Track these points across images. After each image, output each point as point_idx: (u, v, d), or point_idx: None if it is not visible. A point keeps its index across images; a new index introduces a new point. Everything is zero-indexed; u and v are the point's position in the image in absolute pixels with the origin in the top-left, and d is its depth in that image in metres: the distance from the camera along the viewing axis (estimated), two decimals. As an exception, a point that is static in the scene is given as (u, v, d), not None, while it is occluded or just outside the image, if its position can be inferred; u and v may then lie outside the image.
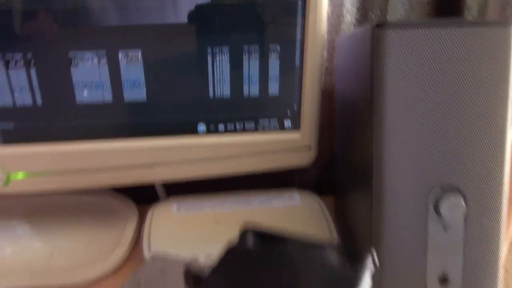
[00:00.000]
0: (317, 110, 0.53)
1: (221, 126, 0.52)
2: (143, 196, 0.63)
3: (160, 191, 0.62)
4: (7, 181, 0.51)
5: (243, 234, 0.30)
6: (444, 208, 0.40)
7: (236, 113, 0.52)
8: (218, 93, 0.50)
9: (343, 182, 0.56)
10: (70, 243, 0.55)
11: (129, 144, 0.51)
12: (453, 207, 0.40)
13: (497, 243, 0.42)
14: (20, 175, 0.51)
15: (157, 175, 0.53)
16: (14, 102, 0.48)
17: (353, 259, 0.28)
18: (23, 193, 0.52)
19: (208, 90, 0.50)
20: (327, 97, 0.66)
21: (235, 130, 0.52)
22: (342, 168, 0.57)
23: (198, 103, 0.51)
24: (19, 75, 0.47)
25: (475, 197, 0.41)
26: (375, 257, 0.28)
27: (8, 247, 0.54)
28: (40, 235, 0.56)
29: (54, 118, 0.49)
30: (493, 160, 0.41)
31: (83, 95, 0.48)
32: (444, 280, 0.42)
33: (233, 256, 0.29)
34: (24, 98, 0.48)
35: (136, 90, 0.49)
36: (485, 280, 0.42)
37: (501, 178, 0.41)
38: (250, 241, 0.30)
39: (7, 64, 0.46)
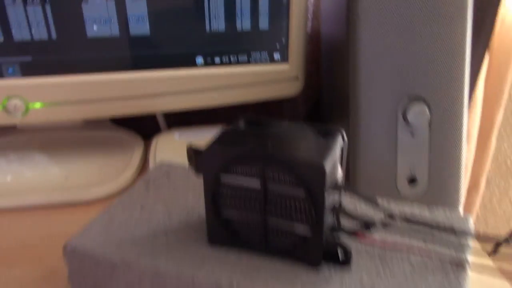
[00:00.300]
0: (303, 43, 0.59)
1: (217, 59, 0.58)
2: (146, 131, 0.69)
3: (161, 122, 0.68)
4: (26, 111, 0.57)
5: (236, 120, 0.36)
6: (411, 115, 0.47)
7: (230, 47, 0.57)
8: (214, 27, 0.56)
9: (328, 114, 0.63)
10: (83, 168, 0.61)
11: (135, 75, 0.57)
12: (419, 115, 0.47)
13: (459, 147, 0.48)
14: (37, 105, 0.57)
15: (160, 105, 0.59)
16: (31, 36, 0.53)
17: (326, 134, 0.35)
18: (40, 122, 0.58)
19: (205, 24, 0.56)
20: (315, 38, 0.71)
21: (229, 62, 0.58)
22: (327, 101, 0.63)
23: (196, 37, 0.56)
24: (35, 11, 0.52)
25: (438, 106, 0.47)
26: (344, 135, 0.35)
27: (28, 172, 0.60)
28: (56, 162, 0.62)
29: (67, 51, 0.55)
30: (454, 72, 0.47)
31: (93, 30, 0.54)
32: (412, 180, 0.48)
33: (228, 133, 0.35)
34: (40, 33, 0.53)
35: (140, 25, 0.54)
36: (449, 180, 0.49)
37: (461, 88, 0.47)
38: (242, 124, 0.36)
39: (25, 1, 0.52)
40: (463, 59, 0.46)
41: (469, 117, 0.76)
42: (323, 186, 0.31)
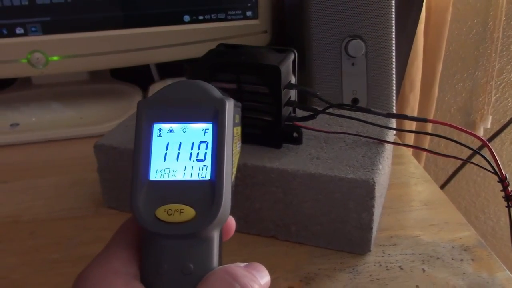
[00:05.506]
0: (269, 3, 0.73)
1: (200, 17, 0.72)
2: (142, 83, 0.83)
3: (155, 73, 0.82)
4: (46, 63, 0.70)
5: (217, 46, 0.50)
6: (351, 49, 0.61)
7: (211, 6, 0.71)
8: (197, -11, 0.70)
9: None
10: (94, 111, 0.75)
11: (136, 31, 0.70)
12: (357, 49, 0.61)
13: (390, 72, 0.63)
14: (55, 58, 0.70)
15: (155, 57, 0.73)
16: (51, 0, 0.67)
17: (282, 52, 0.49)
18: (58, 73, 0.72)
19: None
20: (281, 3, 0.85)
21: (211, 19, 0.72)
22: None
23: (183, -2, 0.70)
24: (54, -21, 0.66)
25: (372, 41, 0.61)
26: (295, 52, 0.49)
27: (48, 115, 0.74)
28: (71, 108, 0.76)
29: (79, 12, 0.68)
30: (382, 17, 0.61)
31: (100, -7, 0.67)
32: (355, 100, 0.63)
33: (213, 52, 0.49)
34: (58, -3, 0.67)
35: (137, -11, 0.68)
36: (383, 99, 0.63)
37: (389, 28, 0.62)
38: (222, 47, 0.50)
39: (45, -29, 0.65)
40: (389, 8, 0.61)
41: (412, 67, 0.91)
42: (279, 82, 0.46)
